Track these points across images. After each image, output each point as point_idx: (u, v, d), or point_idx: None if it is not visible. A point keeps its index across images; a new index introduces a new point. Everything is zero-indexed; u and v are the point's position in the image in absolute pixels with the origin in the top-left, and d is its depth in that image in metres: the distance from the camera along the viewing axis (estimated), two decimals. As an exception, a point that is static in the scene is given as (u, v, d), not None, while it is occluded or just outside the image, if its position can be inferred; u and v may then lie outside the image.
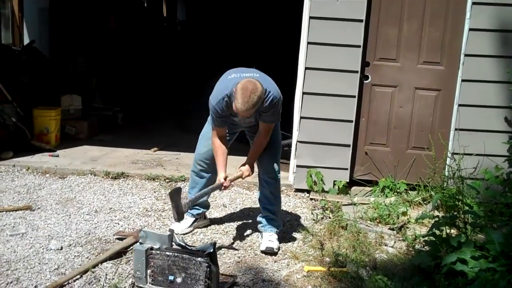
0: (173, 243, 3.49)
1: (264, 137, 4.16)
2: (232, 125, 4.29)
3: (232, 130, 4.35)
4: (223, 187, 4.12)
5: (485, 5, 5.33)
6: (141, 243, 3.50)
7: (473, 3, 5.35)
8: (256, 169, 4.32)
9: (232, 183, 4.21)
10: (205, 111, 4.21)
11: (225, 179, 4.07)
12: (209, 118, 4.32)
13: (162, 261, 3.42)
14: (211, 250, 3.35)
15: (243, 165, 4.22)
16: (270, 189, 4.32)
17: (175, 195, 3.93)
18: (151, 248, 3.45)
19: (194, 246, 3.53)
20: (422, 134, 5.67)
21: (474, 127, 5.48)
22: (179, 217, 3.97)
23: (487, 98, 5.46)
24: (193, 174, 4.49)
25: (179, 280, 3.39)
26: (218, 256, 3.87)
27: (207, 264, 3.32)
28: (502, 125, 5.48)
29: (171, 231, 4.36)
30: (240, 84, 3.78)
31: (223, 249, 4.18)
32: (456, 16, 5.47)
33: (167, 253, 3.41)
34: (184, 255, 3.38)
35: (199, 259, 3.33)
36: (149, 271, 3.44)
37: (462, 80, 5.48)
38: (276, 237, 4.31)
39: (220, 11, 14.33)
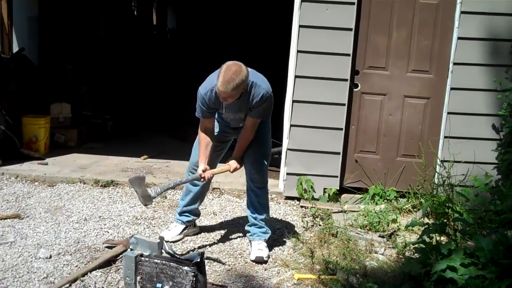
0: (162, 251, 3.48)
1: (249, 132, 4.12)
2: (224, 132, 4.28)
3: (224, 139, 4.34)
4: (201, 179, 4.06)
5: (474, 14, 5.38)
6: (131, 250, 3.49)
7: (462, 12, 5.40)
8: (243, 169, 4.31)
9: (215, 175, 4.17)
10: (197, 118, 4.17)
11: (204, 171, 4.01)
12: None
13: (151, 268, 3.40)
14: (198, 260, 3.34)
15: (230, 159, 4.20)
16: (257, 198, 4.31)
17: (134, 181, 3.96)
18: (141, 255, 3.44)
19: (183, 255, 3.51)
20: (412, 141, 5.70)
21: (463, 135, 5.52)
22: (145, 200, 3.93)
23: (475, 106, 5.51)
24: None
25: (166, 288, 3.37)
26: (207, 264, 3.87)
27: (193, 274, 3.29)
28: (490, 133, 5.52)
29: (161, 238, 4.36)
30: (225, 65, 3.78)
31: (213, 256, 4.17)
32: (445, 25, 5.51)
33: (156, 260, 3.39)
34: (172, 264, 3.36)
35: (185, 268, 3.31)
36: (138, 278, 3.43)
37: (451, 88, 5.52)
38: (265, 245, 4.30)
39: (210, 19, 14.35)
